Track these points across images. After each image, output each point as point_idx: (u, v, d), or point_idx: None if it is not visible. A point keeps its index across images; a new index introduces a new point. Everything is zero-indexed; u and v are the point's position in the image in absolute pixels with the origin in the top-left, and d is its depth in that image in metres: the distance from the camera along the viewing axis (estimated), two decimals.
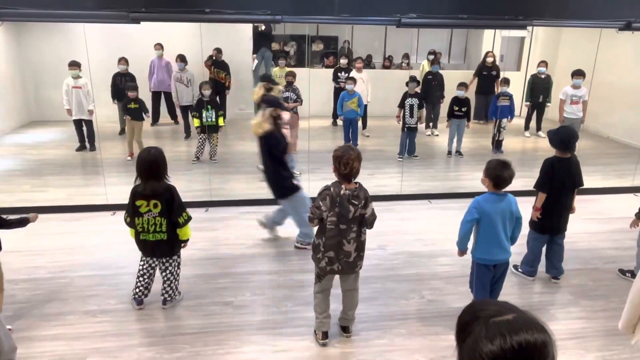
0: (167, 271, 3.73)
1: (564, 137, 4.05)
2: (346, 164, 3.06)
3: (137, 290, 3.76)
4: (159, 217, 3.50)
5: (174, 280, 3.77)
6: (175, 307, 3.82)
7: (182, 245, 3.75)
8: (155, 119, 9.51)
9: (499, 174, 3.31)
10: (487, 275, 3.50)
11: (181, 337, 3.48)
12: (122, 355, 3.29)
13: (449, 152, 8.19)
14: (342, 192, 3.11)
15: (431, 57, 10.01)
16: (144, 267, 3.74)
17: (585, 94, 7.53)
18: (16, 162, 7.50)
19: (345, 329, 3.52)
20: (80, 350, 3.33)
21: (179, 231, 3.61)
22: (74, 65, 7.45)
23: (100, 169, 6.34)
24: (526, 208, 4.04)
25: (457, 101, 7.97)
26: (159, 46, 8.96)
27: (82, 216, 5.54)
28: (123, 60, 8.39)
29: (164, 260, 3.71)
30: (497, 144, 8.25)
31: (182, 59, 8.50)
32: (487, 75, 9.72)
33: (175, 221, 3.56)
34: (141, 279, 3.75)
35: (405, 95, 7.75)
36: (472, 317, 1.10)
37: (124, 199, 3.68)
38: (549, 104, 9.06)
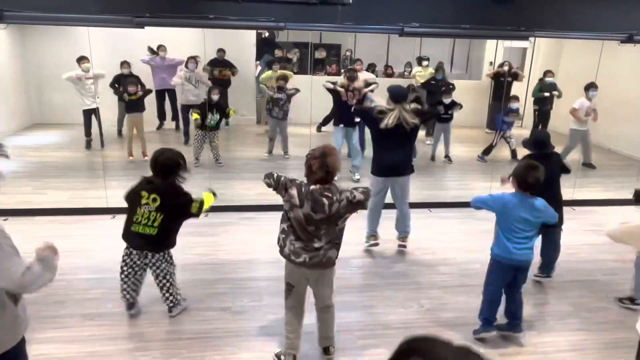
0: (161, 275, 3.58)
1: (536, 138, 4.34)
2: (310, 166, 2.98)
3: (124, 292, 3.62)
4: (154, 212, 3.43)
5: (169, 285, 3.63)
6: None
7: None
8: (161, 119, 9.41)
9: (520, 174, 3.33)
10: (501, 275, 3.46)
11: (178, 342, 3.47)
12: (118, 359, 3.27)
13: (432, 157, 8.28)
14: (311, 187, 2.95)
15: (425, 62, 10.03)
16: (128, 264, 3.56)
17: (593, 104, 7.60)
18: (18, 164, 7.50)
19: (326, 350, 3.35)
20: (76, 353, 3.31)
21: (203, 208, 3.56)
22: (85, 58, 7.44)
23: (101, 172, 6.34)
24: None
25: (442, 105, 7.99)
26: (163, 47, 8.97)
27: (81, 219, 5.53)
28: (126, 64, 8.43)
29: (153, 261, 3.54)
30: (512, 154, 8.22)
31: (194, 60, 8.55)
32: (506, 82, 9.66)
33: (190, 216, 3.54)
34: (126, 279, 3.58)
35: None
36: None
37: (124, 202, 3.65)
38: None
